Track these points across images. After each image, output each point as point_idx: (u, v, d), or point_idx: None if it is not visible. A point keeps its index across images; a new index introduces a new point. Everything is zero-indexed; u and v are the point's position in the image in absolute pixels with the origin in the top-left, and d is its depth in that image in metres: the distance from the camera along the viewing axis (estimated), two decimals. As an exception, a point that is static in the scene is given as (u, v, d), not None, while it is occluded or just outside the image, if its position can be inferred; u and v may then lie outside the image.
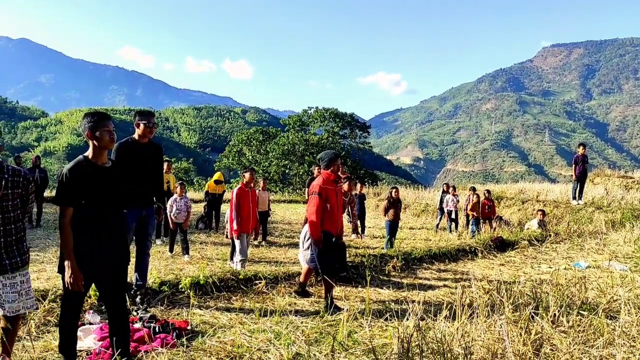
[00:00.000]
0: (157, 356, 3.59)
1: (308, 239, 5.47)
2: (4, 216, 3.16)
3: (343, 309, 5.04)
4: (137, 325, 4.28)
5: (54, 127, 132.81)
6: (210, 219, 12.62)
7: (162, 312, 4.95)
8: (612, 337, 3.30)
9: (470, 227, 13.34)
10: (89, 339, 4.04)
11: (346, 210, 11.41)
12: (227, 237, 8.69)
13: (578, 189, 14.68)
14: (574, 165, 14.14)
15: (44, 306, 4.62)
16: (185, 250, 8.51)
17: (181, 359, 3.59)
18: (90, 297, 4.81)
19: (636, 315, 3.65)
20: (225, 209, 10.22)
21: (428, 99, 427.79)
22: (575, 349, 3.11)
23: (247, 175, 7.69)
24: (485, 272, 7.59)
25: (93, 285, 3.53)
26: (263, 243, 10.57)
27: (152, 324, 4.25)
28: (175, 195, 8.86)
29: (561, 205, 15.46)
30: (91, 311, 4.63)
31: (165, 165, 9.72)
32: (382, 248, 9.88)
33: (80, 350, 3.73)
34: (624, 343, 3.23)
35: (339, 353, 3.40)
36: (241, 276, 6.08)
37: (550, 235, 10.39)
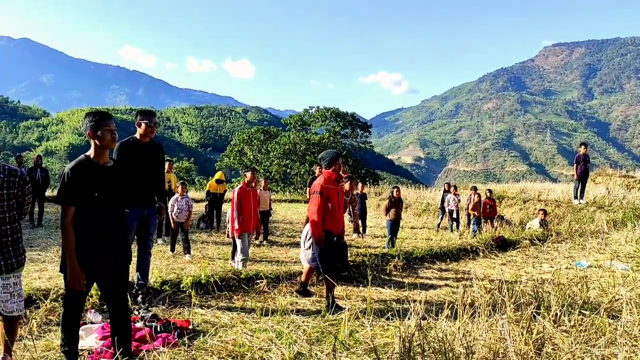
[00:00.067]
0: (159, 355, 3.59)
1: (309, 239, 5.47)
2: None
3: (344, 308, 5.04)
4: (139, 324, 4.28)
5: (55, 126, 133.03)
6: (212, 218, 12.63)
7: (164, 312, 4.95)
8: (614, 336, 3.29)
9: (471, 226, 13.33)
10: (90, 338, 4.05)
11: (347, 209, 11.41)
12: (228, 236, 8.71)
13: (579, 188, 14.66)
14: (575, 165, 14.12)
15: (46, 305, 4.63)
16: (187, 250, 8.52)
17: (183, 359, 3.59)
18: (91, 296, 4.82)
19: (638, 315, 3.65)
20: (226, 208, 10.22)
21: (429, 98, 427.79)
22: (577, 348, 3.10)
23: (248, 174, 7.70)
24: (486, 272, 7.58)
25: (95, 284, 3.53)
26: (264, 242, 10.58)
27: (154, 323, 4.26)
28: (176, 195, 8.86)
29: (563, 205, 15.44)
30: (93, 310, 4.63)
31: (166, 164, 9.73)
32: (384, 247, 9.88)
33: (82, 350, 3.73)
34: (626, 342, 3.22)
35: (340, 352, 3.40)
36: (242, 275, 6.09)
37: (551, 235, 10.38)
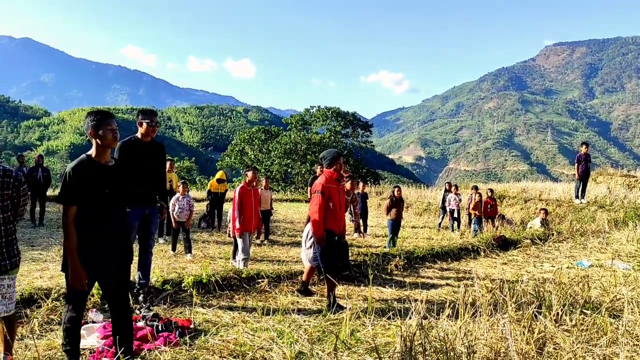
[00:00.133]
0: (160, 355, 3.60)
1: (311, 238, 5.47)
2: None
3: (346, 307, 5.05)
4: (140, 323, 4.28)
5: (57, 126, 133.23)
6: (213, 217, 12.63)
7: (165, 311, 4.96)
8: (616, 335, 3.29)
9: (472, 226, 13.33)
10: (92, 337, 4.05)
11: (348, 209, 11.41)
12: (229, 235, 8.72)
13: (581, 187, 14.65)
14: (576, 164, 14.11)
15: (47, 305, 4.63)
16: (188, 249, 8.52)
17: (184, 358, 3.60)
18: (93, 295, 4.82)
19: (639, 314, 3.65)
20: (227, 207, 10.22)
21: (430, 98, 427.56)
22: (578, 347, 3.10)
23: (249, 174, 7.70)
24: (487, 271, 7.58)
25: (96, 283, 3.53)
26: (265, 242, 10.58)
27: (155, 323, 4.26)
28: (177, 194, 8.86)
29: (564, 204, 15.43)
30: (94, 310, 4.64)
31: (167, 164, 9.73)
32: (385, 247, 9.88)
33: (84, 349, 3.74)
34: (628, 342, 3.22)
35: (341, 352, 3.40)
36: (244, 275, 6.09)
37: (552, 234, 10.38)
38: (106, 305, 4.49)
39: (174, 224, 8.69)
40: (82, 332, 3.78)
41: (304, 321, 4.58)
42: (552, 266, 7.74)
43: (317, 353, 3.39)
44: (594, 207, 14.13)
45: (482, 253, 8.92)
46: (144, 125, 5.27)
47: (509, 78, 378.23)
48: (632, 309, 3.79)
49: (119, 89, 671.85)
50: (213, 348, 3.76)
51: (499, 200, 16.52)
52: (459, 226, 14.33)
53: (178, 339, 4.01)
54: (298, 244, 9.61)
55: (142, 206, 5.16)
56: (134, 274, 5.19)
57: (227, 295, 5.60)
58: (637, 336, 3.39)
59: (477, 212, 13.22)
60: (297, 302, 5.53)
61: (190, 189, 10.52)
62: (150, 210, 5.31)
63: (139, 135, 5.32)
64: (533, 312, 3.47)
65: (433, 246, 8.86)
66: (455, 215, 14.31)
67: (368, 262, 7.28)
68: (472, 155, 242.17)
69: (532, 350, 3.13)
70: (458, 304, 3.73)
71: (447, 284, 6.68)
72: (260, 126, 51.90)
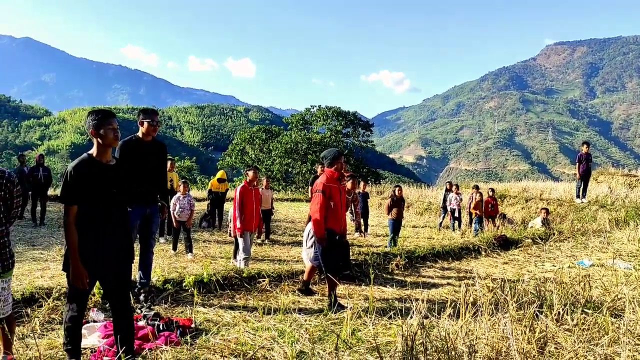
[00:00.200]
0: (162, 354, 3.60)
1: (312, 237, 5.47)
2: None
3: (347, 307, 5.04)
4: (141, 323, 4.28)
5: (57, 125, 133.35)
6: (214, 217, 12.64)
7: (166, 310, 4.96)
8: (617, 335, 3.29)
9: (473, 225, 13.33)
10: (93, 336, 4.05)
11: (349, 208, 11.41)
12: (230, 235, 8.71)
13: (582, 187, 14.64)
14: (577, 164, 14.10)
15: (49, 304, 4.63)
16: (189, 249, 8.53)
17: (185, 357, 3.60)
18: (94, 294, 4.82)
19: (641, 314, 3.64)
20: (228, 207, 10.23)
21: (431, 97, 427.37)
22: (579, 347, 3.10)
23: (250, 173, 7.70)
24: (488, 271, 7.57)
25: (97, 283, 3.53)
26: (266, 241, 10.58)
27: (156, 322, 4.26)
28: (178, 194, 8.87)
29: (565, 204, 15.42)
30: (95, 309, 4.64)
31: (168, 163, 9.73)
32: (386, 246, 9.88)
33: (85, 348, 3.74)
34: (629, 341, 3.21)
35: (342, 351, 3.40)
36: (245, 274, 6.09)
37: (554, 234, 10.37)
38: (107, 305, 4.49)
39: (174, 224, 8.70)
40: (83, 331, 3.78)
41: (305, 320, 4.58)
42: (553, 266, 7.73)
43: (318, 352, 3.38)
44: (595, 207, 14.13)
45: (483, 252, 8.91)
46: (145, 124, 5.27)
47: (510, 77, 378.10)
48: (633, 309, 3.78)
49: (120, 89, 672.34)
50: (214, 347, 3.76)
51: (499, 199, 16.51)
52: (459, 226, 14.33)
53: (179, 338, 4.01)
54: (299, 244, 9.61)
55: (143, 205, 5.16)
56: (135, 274, 5.19)
57: (228, 295, 5.60)
58: (639, 336, 3.39)
59: (478, 212, 13.22)
60: (298, 301, 5.53)
61: (191, 189, 10.52)
62: (152, 209, 5.31)
63: (140, 134, 5.32)
64: (534, 311, 3.46)
65: (434, 246, 8.86)
66: (456, 214, 14.31)
67: (369, 261, 7.28)
68: (472, 155, 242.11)
69: (534, 349, 3.12)
70: (459, 304, 3.73)
71: (448, 284, 6.68)
72: (261, 126, 51.92)
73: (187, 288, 5.51)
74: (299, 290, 5.83)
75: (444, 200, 14.89)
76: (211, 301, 5.33)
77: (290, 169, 40.70)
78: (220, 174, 12.85)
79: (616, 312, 4.15)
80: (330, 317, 4.73)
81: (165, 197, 5.68)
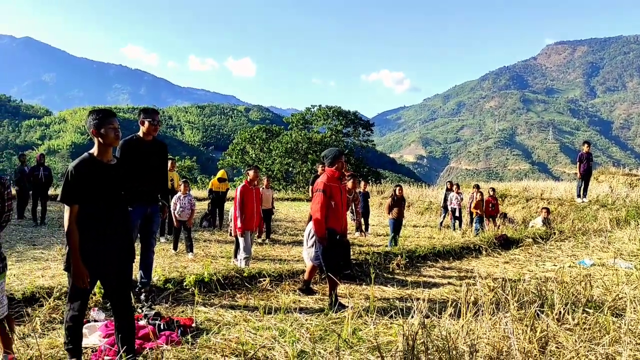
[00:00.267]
0: (162, 353, 3.60)
1: (312, 237, 5.47)
2: None
3: (347, 306, 5.04)
4: (142, 322, 4.28)
5: (58, 125, 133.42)
6: (214, 216, 12.64)
7: (167, 310, 4.96)
8: (618, 334, 3.29)
9: (474, 225, 13.32)
10: (94, 336, 4.05)
11: (350, 208, 11.41)
12: (231, 234, 8.71)
13: (582, 186, 14.63)
14: (578, 163, 14.09)
15: (49, 303, 4.63)
16: (189, 248, 8.52)
17: (186, 356, 3.60)
18: (95, 294, 4.82)
19: (642, 313, 3.64)
20: (229, 206, 10.23)
21: (431, 97, 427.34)
22: (581, 346, 3.09)
23: (251, 173, 7.70)
24: (489, 270, 7.57)
25: (98, 282, 3.53)
26: (267, 241, 10.58)
27: (157, 321, 4.26)
28: (179, 193, 8.87)
29: (565, 203, 15.42)
30: (96, 308, 4.64)
31: (169, 163, 9.73)
32: (386, 246, 9.87)
33: (86, 348, 3.74)
34: (630, 341, 3.21)
35: (343, 350, 3.40)
36: (245, 274, 6.09)
37: (554, 233, 10.36)
38: (108, 304, 4.49)
39: (175, 223, 8.69)
40: (84, 330, 3.78)
41: (306, 320, 4.58)
42: (554, 265, 7.73)
43: (319, 352, 3.38)
44: (596, 206, 14.12)
45: (484, 252, 8.91)
46: (146, 123, 5.27)
47: (510, 77, 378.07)
48: (634, 308, 3.78)
49: (120, 88, 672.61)
50: (215, 347, 3.76)
51: (500, 199, 16.51)
52: (460, 225, 14.32)
53: (180, 337, 4.01)
54: (299, 243, 9.61)
55: (144, 205, 5.16)
56: (136, 273, 5.19)
57: (228, 294, 5.60)
58: (640, 335, 3.38)
59: (478, 211, 13.22)
60: (299, 301, 5.52)
61: (191, 188, 10.52)
62: (152, 209, 5.31)
63: (140, 134, 5.32)
64: (535, 311, 3.46)
65: (435, 245, 8.85)
66: (457, 214, 14.31)
67: (370, 261, 7.28)
68: (473, 154, 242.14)
69: (535, 349, 3.12)
70: (460, 303, 3.73)
71: (449, 283, 6.67)
72: (261, 125, 51.93)
73: (187, 287, 5.51)
74: (300, 290, 5.83)
75: (445, 199, 14.89)
76: (212, 301, 5.33)
77: (290, 169, 40.72)
78: (220, 173, 12.86)
79: (617, 312, 4.15)
80: (331, 316, 4.73)
81: (166, 197, 5.68)
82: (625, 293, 4.50)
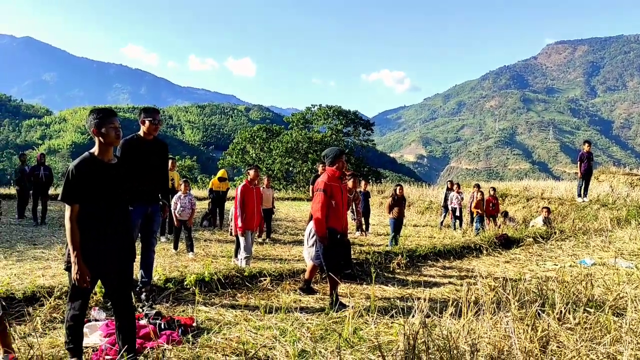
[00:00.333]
0: (163, 353, 3.60)
1: (313, 236, 5.47)
2: None
3: (348, 306, 5.04)
4: (143, 322, 4.28)
5: (58, 125, 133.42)
6: (215, 216, 12.64)
7: (168, 309, 4.96)
8: (619, 334, 3.28)
9: (474, 224, 13.32)
10: (95, 335, 4.05)
11: (350, 207, 11.41)
12: (231, 234, 8.71)
13: (583, 186, 14.63)
14: (579, 163, 14.09)
15: (50, 303, 4.63)
16: (190, 248, 8.52)
17: (187, 356, 3.60)
18: (95, 293, 4.82)
19: (643, 313, 3.64)
20: (229, 206, 10.23)
21: (432, 96, 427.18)
22: (582, 346, 3.09)
23: (251, 172, 7.70)
24: (490, 270, 7.57)
25: (99, 282, 3.53)
26: (267, 240, 10.58)
27: (158, 321, 4.26)
28: (179, 193, 8.87)
29: (566, 203, 15.41)
30: (97, 308, 4.64)
31: (169, 162, 9.73)
32: (387, 245, 9.87)
33: (86, 347, 3.74)
34: (631, 340, 3.21)
35: (344, 350, 3.40)
36: (246, 273, 6.09)
37: (555, 233, 10.36)
38: (109, 304, 4.49)
39: (175, 223, 8.70)
40: (85, 330, 3.78)
41: (307, 319, 4.58)
42: (554, 264, 7.72)
43: (319, 351, 3.38)
44: (597, 206, 14.12)
45: (485, 251, 8.91)
46: (147, 123, 5.26)
47: (511, 76, 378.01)
48: (635, 307, 3.78)
49: (120, 88, 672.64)
50: (216, 346, 3.76)
51: (501, 198, 16.51)
52: (461, 224, 14.32)
53: (181, 337, 4.01)
54: (300, 243, 9.61)
55: (144, 204, 5.16)
56: (137, 272, 5.19)
57: (229, 294, 5.60)
58: (641, 334, 3.38)
59: (479, 211, 13.21)
60: (300, 300, 5.52)
61: (191, 188, 10.52)
62: (153, 208, 5.31)
63: (141, 133, 5.32)
64: (536, 310, 3.46)
65: (435, 245, 8.85)
66: (457, 213, 14.30)
67: (370, 260, 7.28)
68: (473, 154, 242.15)
69: (536, 348, 3.12)
70: (461, 302, 3.72)
71: (450, 283, 6.67)
72: (261, 125, 51.94)
73: (188, 287, 5.51)
74: (301, 289, 5.83)
75: (445, 199, 14.89)
76: (212, 300, 5.33)
77: (291, 168, 40.73)
78: (221, 173, 12.85)
79: (618, 311, 4.15)
80: (332, 316, 4.73)
81: (167, 196, 5.68)
82: (626, 292, 4.49)
